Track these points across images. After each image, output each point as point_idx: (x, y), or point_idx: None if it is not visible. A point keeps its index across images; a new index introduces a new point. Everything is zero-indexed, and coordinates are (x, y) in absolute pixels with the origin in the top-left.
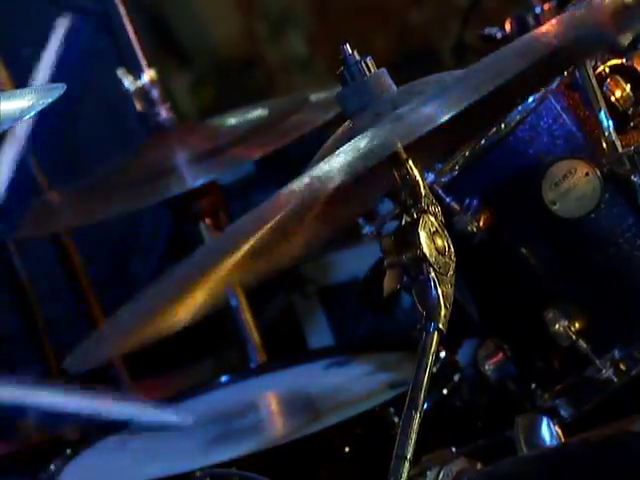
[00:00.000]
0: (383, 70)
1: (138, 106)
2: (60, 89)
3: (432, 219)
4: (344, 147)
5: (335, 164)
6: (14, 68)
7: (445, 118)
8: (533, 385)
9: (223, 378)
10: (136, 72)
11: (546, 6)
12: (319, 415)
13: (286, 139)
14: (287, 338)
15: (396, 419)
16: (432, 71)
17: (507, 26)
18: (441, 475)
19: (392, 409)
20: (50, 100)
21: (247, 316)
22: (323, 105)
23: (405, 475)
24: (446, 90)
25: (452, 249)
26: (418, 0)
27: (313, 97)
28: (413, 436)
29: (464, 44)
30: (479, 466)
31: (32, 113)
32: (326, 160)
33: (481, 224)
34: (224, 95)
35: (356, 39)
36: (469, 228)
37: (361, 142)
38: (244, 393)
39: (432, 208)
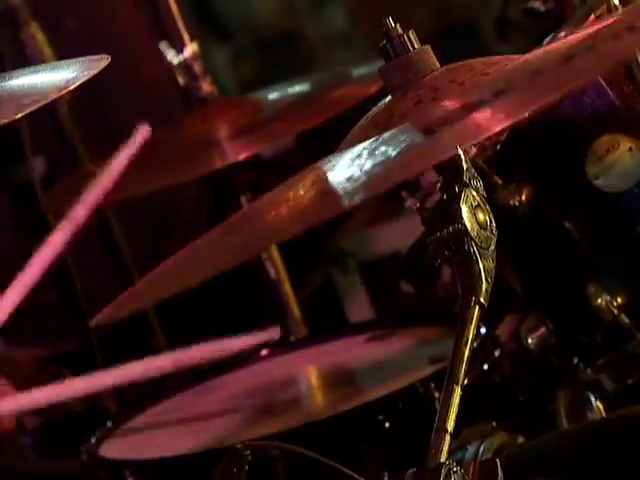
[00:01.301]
0: (427, 47)
1: (180, 80)
2: (104, 61)
3: (474, 193)
4: (373, 150)
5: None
6: (56, 39)
7: (498, 129)
8: (575, 359)
9: (263, 351)
10: (178, 46)
11: None
12: (360, 389)
13: (327, 114)
14: (326, 312)
15: (437, 394)
16: (473, 46)
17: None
18: (482, 449)
19: (433, 384)
20: (94, 72)
21: (287, 289)
22: (365, 80)
23: (446, 449)
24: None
25: (494, 223)
26: None
27: (355, 72)
28: (454, 410)
29: (506, 18)
30: (520, 440)
31: (77, 84)
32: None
33: (523, 198)
34: (265, 69)
35: (396, 13)
36: (511, 202)
37: (392, 151)
38: (284, 367)
39: (474, 182)
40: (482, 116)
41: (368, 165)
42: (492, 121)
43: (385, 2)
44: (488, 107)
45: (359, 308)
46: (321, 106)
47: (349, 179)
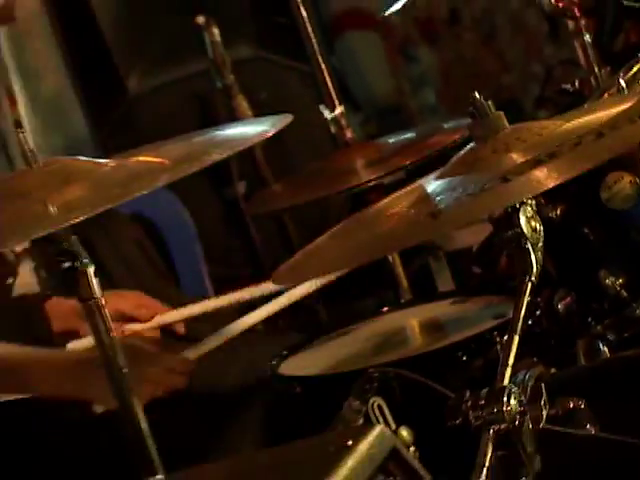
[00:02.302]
0: (501, 112)
1: (332, 129)
2: (287, 119)
3: (529, 208)
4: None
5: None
6: (253, 105)
7: (552, 185)
8: (590, 319)
9: (384, 309)
10: (331, 108)
11: (604, 70)
12: (446, 335)
13: (426, 153)
14: (424, 284)
15: (498, 339)
16: (518, 115)
17: (577, 84)
18: (527, 376)
19: (495, 332)
20: (280, 126)
21: (399, 269)
22: (452, 131)
23: (507, 376)
24: (555, 157)
25: (541, 228)
26: (507, 68)
27: (445, 125)
28: (513, 350)
29: (544, 97)
30: (552, 371)
31: (269, 133)
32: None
33: (558, 212)
34: (382, 129)
35: (467, 92)
36: (551, 215)
37: (477, 190)
38: (397, 319)
39: (529, 202)
40: (541, 174)
41: (455, 195)
42: (548, 179)
43: (459, 86)
44: (544, 166)
45: (445, 282)
46: (422, 148)
47: (444, 206)
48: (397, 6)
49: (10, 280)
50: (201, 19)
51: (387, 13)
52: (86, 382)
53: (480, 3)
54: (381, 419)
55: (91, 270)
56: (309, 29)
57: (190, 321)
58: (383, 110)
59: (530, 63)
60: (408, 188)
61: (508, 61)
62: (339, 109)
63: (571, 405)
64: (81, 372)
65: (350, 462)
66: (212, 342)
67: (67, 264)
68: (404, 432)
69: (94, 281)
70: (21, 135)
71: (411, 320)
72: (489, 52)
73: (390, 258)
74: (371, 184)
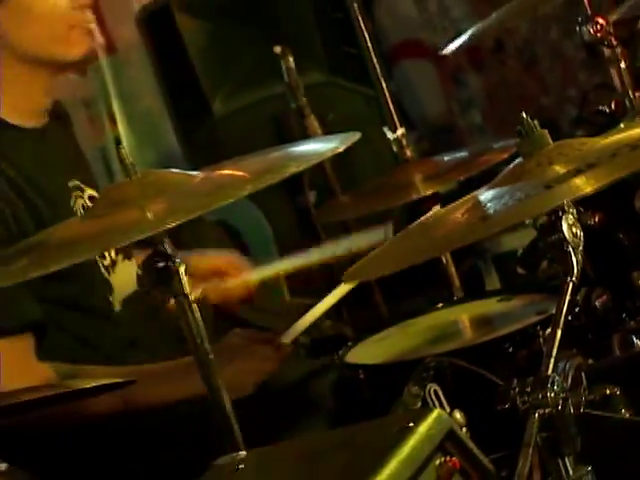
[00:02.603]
0: (545, 130)
1: (394, 148)
2: (355, 136)
3: (571, 216)
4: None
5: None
6: (323, 125)
7: (590, 190)
8: (624, 315)
9: (439, 304)
10: (393, 129)
11: (637, 94)
12: (493, 328)
13: (477, 169)
14: (474, 283)
15: (540, 333)
16: (554, 137)
17: (612, 105)
18: (567, 365)
19: (539, 327)
20: (348, 143)
21: (452, 270)
22: (501, 149)
23: (551, 366)
24: (594, 166)
25: (581, 234)
26: (546, 92)
27: (495, 145)
28: (556, 343)
29: (582, 117)
30: (590, 361)
31: (340, 149)
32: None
33: (596, 220)
34: (434, 147)
35: (512, 114)
36: (589, 222)
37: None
38: (450, 314)
39: (571, 210)
40: (580, 181)
41: (504, 202)
42: (586, 185)
43: (502, 108)
44: (584, 175)
45: (492, 282)
46: (474, 165)
47: (493, 211)
48: (454, 46)
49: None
50: (278, 49)
51: (446, 52)
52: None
53: (522, 34)
54: (437, 403)
55: (182, 269)
56: (373, 58)
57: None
58: (435, 129)
59: (566, 87)
60: (462, 199)
61: (547, 85)
62: (400, 130)
63: (607, 392)
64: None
65: (411, 442)
66: (297, 329)
67: (161, 264)
68: (457, 415)
69: (185, 279)
70: (122, 150)
71: (463, 315)
72: (530, 77)
73: (444, 260)
74: (427, 196)
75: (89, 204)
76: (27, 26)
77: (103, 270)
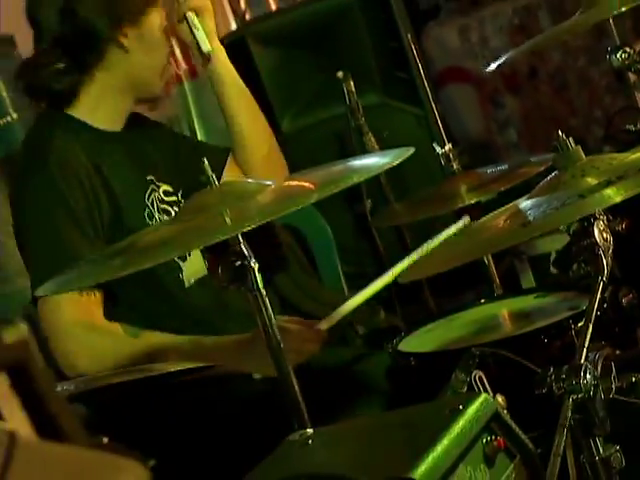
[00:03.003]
0: (579, 146)
1: (442, 161)
2: (409, 151)
3: (601, 222)
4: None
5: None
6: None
7: (619, 200)
8: None
9: (481, 300)
10: (441, 145)
11: None
12: (531, 321)
13: (516, 181)
14: (511, 282)
15: (573, 326)
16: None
17: (638, 125)
18: (597, 355)
19: (571, 321)
20: (403, 158)
21: (492, 269)
22: (537, 163)
23: (584, 355)
24: (623, 178)
25: (611, 238)
26: (574, 113)
27: (532, 159)
28: (588, 335)
29: (609, 135)
30: (617, 352)
31: (394, 164)
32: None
33: (623, 227)
34: (474, 161)
35: (545, 133)
36: (617, 228)
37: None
38: (491, 308)
39: (601, 217)
40: (610, 191)
41: (542, 210)
42: (616, 195)
43: (536, 127)
44: (614, 186)
45: (528, 281)
46: (513, 176)
47: (533, 218)
48: (494, 66)
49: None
50: (340, 74)
51: (487, 70)
52: (247, 357)
53: (554, 62)
54: (481, 388)
55: (256, 267)
56: (424, 82)
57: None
58: (475, 145)
59: (592, 110)
60: (503, 208)
61: (575, 108)
62: (448, 146)
63: (633, 380)
64: (242, 350)
65: (461, 422)
66: (336, 316)
67: (238, 263)
68: (499, 398)
69: (258, 276)
70: (204, 163)
71: (502, 310)
72: (560, 101)
73: (485, 260)
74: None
75: (163, 197)
76: (151, 52)
77: (177, 258)
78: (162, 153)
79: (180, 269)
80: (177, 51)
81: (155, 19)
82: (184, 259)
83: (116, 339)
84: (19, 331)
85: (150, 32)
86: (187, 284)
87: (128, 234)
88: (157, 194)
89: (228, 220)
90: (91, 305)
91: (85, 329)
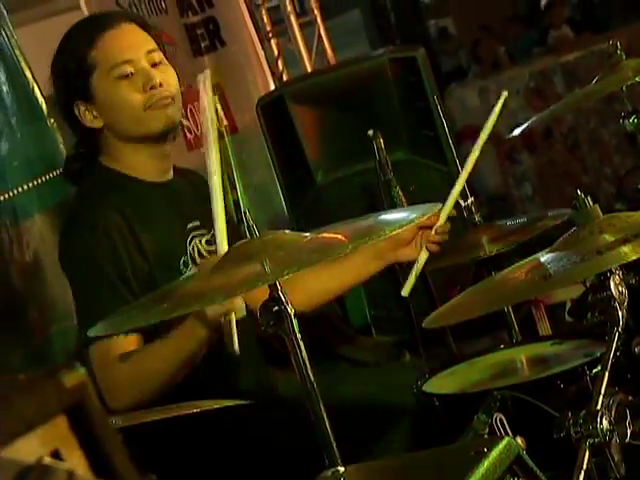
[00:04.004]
0: (597, 205)
1: (465, 214)
2: (436, 207)
3: (617, 277)
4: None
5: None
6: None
7: (635, 258)
8: None
9: (501, 345)
10: (464, 198)
11: None
12: (548, 367)
13: (534, 233)
14: (530, 330)
15: (587, 372)
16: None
17: None
18: (612, 401)
19: (586, 367)
20: (430, 212)
21: (511, 317)
22: (553, 217)
23: (600, 401)
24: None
25: (626, 292)
26: (586, 170)
27: (549, 213)
28: (604, 382)
29: (621, 194)
30: (630, 398)
31: (423, 219)
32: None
33: (637, 279)
34: (492, 213)
35: (559, 189)
36: (631, 281)
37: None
38: (510, 354)
39: (617, 271)
40: (627, 248)
41: (562, 264)
42: (632, 252)
43: (550, 183)
44: (630, 243)
45: (545, 329)
46: (531, 229)
47: (553, 272)
48: (518, 132)
49: None
50: (370, 131)
51: (512, 135)
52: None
53: (567, 123)
54: (502, 429)
55: (292, 312)
56: (449, 140)
57: None
58: (493, 197)
59: (603, 168)
60: (525, 261)
61: (587, 166)
62: (470, 199)
63: None
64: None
65: (486, 464)
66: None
67: (276, 308)
68: (519, 440)
69: (295, 322)
70: (246, 215)
71: (521, 355)
72: (573, 159)
73: (505, 309)
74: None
75: (205, 246)
76: (112, 115)
77: None
78: (204, 202)
79: None
80: (219, 107)
81: (100, 84)
82: None
83: (147, 349)
84: (78, 375)
85: (103, 98)
86: None
87: (162, 284)
88: (198, 241)
89: (268, 268)
90: (131, 346)
91: (124, 360)
